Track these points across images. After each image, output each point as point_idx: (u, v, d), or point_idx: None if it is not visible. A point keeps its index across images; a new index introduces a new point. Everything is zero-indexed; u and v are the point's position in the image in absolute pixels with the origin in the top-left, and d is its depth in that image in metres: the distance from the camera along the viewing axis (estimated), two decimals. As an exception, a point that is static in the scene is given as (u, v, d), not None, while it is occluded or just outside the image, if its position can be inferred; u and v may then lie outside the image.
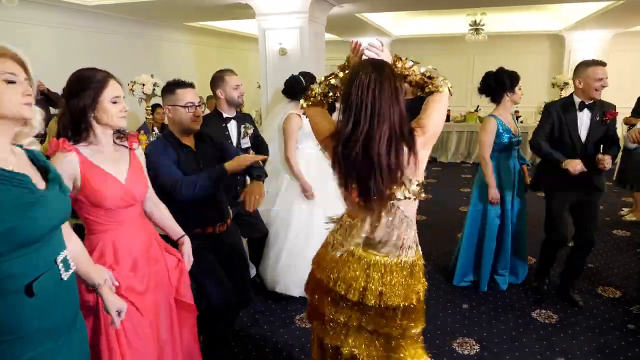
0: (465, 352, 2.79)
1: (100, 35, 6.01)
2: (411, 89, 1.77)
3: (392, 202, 1.62)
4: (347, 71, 1.73)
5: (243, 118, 3.23)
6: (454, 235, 4.07)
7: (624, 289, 3.51)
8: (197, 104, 2.28)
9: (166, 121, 5.50)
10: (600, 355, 2.73)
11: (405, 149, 1.55)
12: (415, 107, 1.73)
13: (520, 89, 3.31)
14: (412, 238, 1.72)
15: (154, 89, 4.89)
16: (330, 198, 3.17)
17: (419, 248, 1.77)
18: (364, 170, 1.55)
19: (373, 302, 1.66)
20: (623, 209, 5.40)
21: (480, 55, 9.86)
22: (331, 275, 1.71)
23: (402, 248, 1.69)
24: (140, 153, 1.94)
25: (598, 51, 8.81)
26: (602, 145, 3.10)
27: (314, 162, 3.43)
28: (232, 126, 3.12)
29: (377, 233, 1.68)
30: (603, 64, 2.99)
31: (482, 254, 3.48)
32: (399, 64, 1.70)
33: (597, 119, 3.02)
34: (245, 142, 3.16)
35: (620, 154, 5.28)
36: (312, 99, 1.83)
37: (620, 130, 5.43)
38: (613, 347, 2.80)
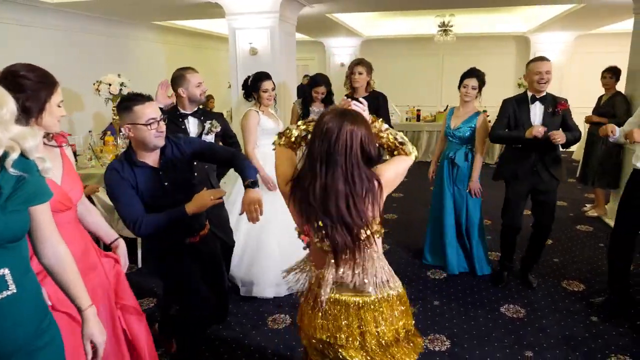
0: (437, 349, 2.83)
1: (64, 33, 5.82)
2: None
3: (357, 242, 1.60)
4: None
5: (212, 117, 3.19)
6: (424, 232, 4.14)
7: (587, 283, 3.63)
8: (159, 119, 2.09)
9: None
10: (566, 347, 2.81)
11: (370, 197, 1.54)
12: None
13: (465, 87, 3.60)
14: (387, 269, 1.71)
15: (121, 89, 4.79)
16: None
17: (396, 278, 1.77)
18: (325, 220, 1.53)
19: (374, 343, 1.65)
20: (586, 205, 5.58)
21: (449, 56, 10.02)
22: (324, 332, 1.68)
23: (382, 282, 1.67)
24: (69, 153, 1.85)
25: (562, 52, 9.09)
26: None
27: (269, 159, 3.45)
28: (190, 122, 3.07)
29: (347, 276, 1.64)
30: (544, 59, 3.27)
31: (444, 235, 3.80)
32: (376, 124, 1.70)
33: (550, 110, 3.26)
34: (209, 139, 3.11)
35: (582, 151, 5.46)
36: (285, 138, 1.77)
37: (583, 128, 5.60)
38: (578, 339, 2.88)
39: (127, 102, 2.09)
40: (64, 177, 1.71)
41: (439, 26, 8.17)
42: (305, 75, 5.46)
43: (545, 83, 3.22)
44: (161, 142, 2.14)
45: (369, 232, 1.57)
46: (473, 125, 3.62)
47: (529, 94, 3.36)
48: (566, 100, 3.31)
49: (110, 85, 4.69)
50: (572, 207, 5.66)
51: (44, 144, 1.70)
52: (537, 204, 3.45)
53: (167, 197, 2.15)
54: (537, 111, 3.31)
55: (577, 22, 7.55)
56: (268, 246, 3.39)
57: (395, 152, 1.72)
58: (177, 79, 3.00)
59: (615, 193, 4.84)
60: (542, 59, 3.29)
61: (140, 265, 3.93)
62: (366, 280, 1.63)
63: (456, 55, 9.73)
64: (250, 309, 3.28)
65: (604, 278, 3.48)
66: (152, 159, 2.19)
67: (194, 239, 2.36)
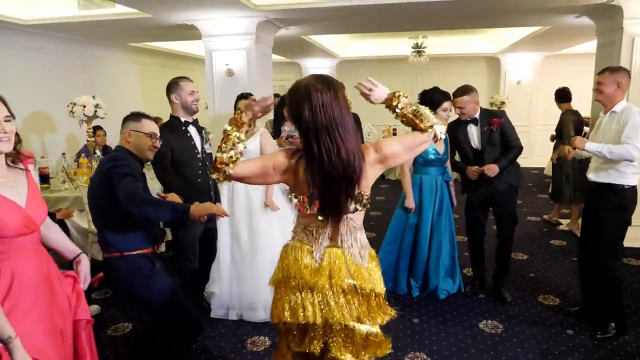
0: (417, 366, 2.82)
1: (38, 55, 5.74)
2: None
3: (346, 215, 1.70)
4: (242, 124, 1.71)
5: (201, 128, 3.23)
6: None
7: (562, 297, 3.69)
8: (157, 137, 2.36)
9: (108, 143, 5.34)
10: (543, 361, 2.85)
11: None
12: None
13: (445, 110, 3.47)
14: (365, 240, 1.81)
15: (95, 111, 4.72)
16: (254, 211, 3.33)
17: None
18: (338, 186, 1.62)
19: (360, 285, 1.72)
20: (561, 220, 5.68)
21: (422, 76, 10.24)
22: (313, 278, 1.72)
23: (362, 248, 1.76)
24: (34, 174, 1.84)
25: (530, 72, 9.40)
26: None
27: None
28: (193, 130, 3.11)
29: (337, 239, 1.75)
30: (457, 94, 3.45)
31: (399, 259, 3.75)
32: (395, 101, 1.75)
33: (485, 128, 3.43)
34: (208, 148, 3.16)
35: (551, 167, 5.63)
36: (232, 163, 1.67)
37: (553, 146, 5.77)
38: (555, 353, 2.92)
39: (138, 115, 2.39)
40: (29, 201, 1.65)
41: (413, 47, 8.37)
42: (276, 95, 5.49)
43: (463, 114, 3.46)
44: (151, 155, 2.39)
45: (358, 207, 1.67)
46: (447, 145, 3.67)
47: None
48: (501, 115, 3.48)
49: (84, 107, 4.63)
50: (546, 222, 5.78)
51: (8, 165, 1.65)
52: (497, 214, 3.59)
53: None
54: (473, 131, 3.51)
55: (544, 43, 7.84)
56: (258, 268, 3.34)
57: (414, 127, 1.76)
58: (171, 86, 3.07)
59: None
60: (456, 94, 3.44)
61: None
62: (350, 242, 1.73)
63: (429, 75, 9.95)
64: (229, 332, 3.23)
65: (578, 291, 3.55)
66: None
67: (158, 248, 2.43)
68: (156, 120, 2.79)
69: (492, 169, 3.37)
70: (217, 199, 3.24)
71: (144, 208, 2.08)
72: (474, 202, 3.63)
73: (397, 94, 1.76)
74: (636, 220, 4.59)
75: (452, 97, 3.47)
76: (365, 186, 1.69)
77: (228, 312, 3.39)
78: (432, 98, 3.46)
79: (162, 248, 2.43)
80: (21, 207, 1.61)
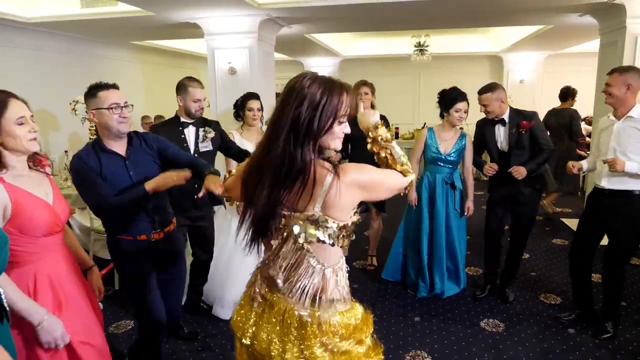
0: (418, 365, 2.83)
1: (41, 53, 5.76)
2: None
3: (301, 245, 1.37)
4: None
5: (207, 123, 3.19)
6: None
7: (563, 295, 3.69)
8: (122, 105, 2.13)
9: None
10: (544, 359, 2.84)
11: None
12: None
13: (457, 111, 3.43)
14: (331, 289, 1.42)
15: (98, 109, 4.73)
16: None
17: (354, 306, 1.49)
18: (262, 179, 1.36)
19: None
20: (561, 217, 5.71)
21: (425, 75, 10.22)
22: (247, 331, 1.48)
23: (313, 300, 1.40)
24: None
25: (533, 72, 9.37)
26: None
27: None
28: (190, 131, 3.09)
29: (272, 271, 1.42)
30: (464, 98, 3.43)
31: (419, 255, 3.72)
32: (381, 132, 1.50)
33: (513, 130, 3.35)
34: (205, 146, 3.12)
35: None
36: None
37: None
38: (556, 352, 2.92)
39: (92, 89, 2.14)
40: (54, 200, 1.70)
41: (415, 46, 8.35)
42: (277, 94, 5.49)
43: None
44: (125, 128, 2.17)
45: (319, 235, 1.35)
46: (461, 148, 3.58)
47: (489, 116, 3.44)
48: (531, 117, 3.33)
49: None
50: (548, 221, 5.78)
51: (30, 167, 1.69)
52: (516, 216, 3.51)
53: (132, 187, 2.18)
54: (500, 132, 3.43)
55: (546, 42, 7.81)
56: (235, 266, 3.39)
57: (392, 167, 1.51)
58: (180, 86, 3.04)
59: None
60: (480, 92, 3.39)
61: (117, 287, 3.84)
62: (295, 287, 1.40)
63: (432, 74, 9.94)
64: (230, 330, 3.23)
65: (579, 290, 3.54)
66: (119, 147, 2.22)
67: (158, 235, 2.34)
68: (158, 118, 2.83)
69: (520, 172, 3.25)
70: (201, 202, 3.09)
71: (110, 211, 2.16)
72: (495, 201, 3.54)
73: (383, 124, 1.52)
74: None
75: (477, 94, 3.40)
76: (336, 210, 1.34)
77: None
78: (449, 96, 3.46)
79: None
80: (50, 205, 1.66)
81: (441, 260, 3.65)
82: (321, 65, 9.88)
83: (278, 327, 1.42)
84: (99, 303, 3.42)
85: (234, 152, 3.29)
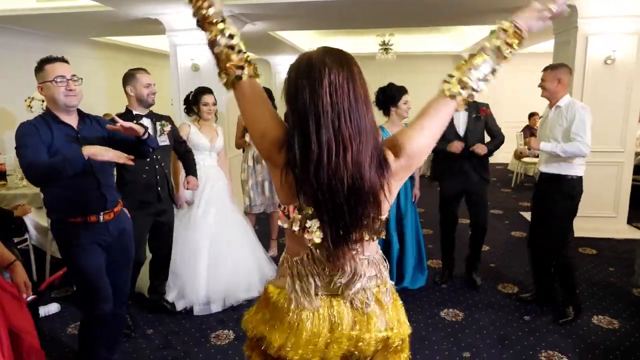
0: (379, 355, 2.87)
1: (-6, 48, 5.56)
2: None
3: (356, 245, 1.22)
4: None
5: (161, 118, 3.15)
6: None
7: (520, 285, 3.82)
8: (68, 78, 2.12)
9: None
10: (501, 346, 2.94)
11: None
12: None
13: (405, 103, 3.52)
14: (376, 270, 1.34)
15: (55, 106, 4.60)
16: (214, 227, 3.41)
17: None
18: (343, 205, 1.13)
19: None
20: (521, 212, 5.88)
21: (390, 74, 10.23)
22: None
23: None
24: None
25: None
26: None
27: (212, 179, 3.55)
28: (145, 124, 2.99)
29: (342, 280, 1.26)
30: (406, 91, 3.56)
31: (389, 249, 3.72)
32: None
33: (473, 116, 3.57)
34: (163, 140, 3.08)
35: (516, 162, 5.82)
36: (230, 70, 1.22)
37: (515, 141, 5.97)
38: (512, 338, 3.02)
39: (40, 63, 2.14)
40: None
41: (380, 45, 8.46)
42: None
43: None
44: (72, 101, 2.16)
45: (374, 236, 1.22)
46: None
47: None
48: (487, 106, 3.63)
49: (43, 101, 4.50)
50: (507, 214, 5.95)
51: None
52: (470, 204, 3.72)
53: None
54: (460, 117, 3.59)
55: (506, 42, 8.04)
56: (233, 260, 3.44)
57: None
58: (127, 77, 2.99)
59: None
60: (405, 90, 3.57)
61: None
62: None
63: (397, 73, 10.03)
64: (192, 326, 3.21)
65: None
66: (70, 120, 2.20)
67: (108, 216, 2.27)
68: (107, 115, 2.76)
69: (482, 148, 3.49)
70: (164, 195, 3.09)
71: (43, 172, 1.98)
72: (448, 195, 3.72)
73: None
74: (590, 211, 4.81)
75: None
76: (386, 207, 1.23)
77: (208, 307, 3.37)
78: (395, 91, 3.52)
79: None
80: None
81: (412, 253, 3.74)
82: (287, 63, 9.74)
83: None
84: (54, 305, 3.37)
85: (182, 151, 3.27)
